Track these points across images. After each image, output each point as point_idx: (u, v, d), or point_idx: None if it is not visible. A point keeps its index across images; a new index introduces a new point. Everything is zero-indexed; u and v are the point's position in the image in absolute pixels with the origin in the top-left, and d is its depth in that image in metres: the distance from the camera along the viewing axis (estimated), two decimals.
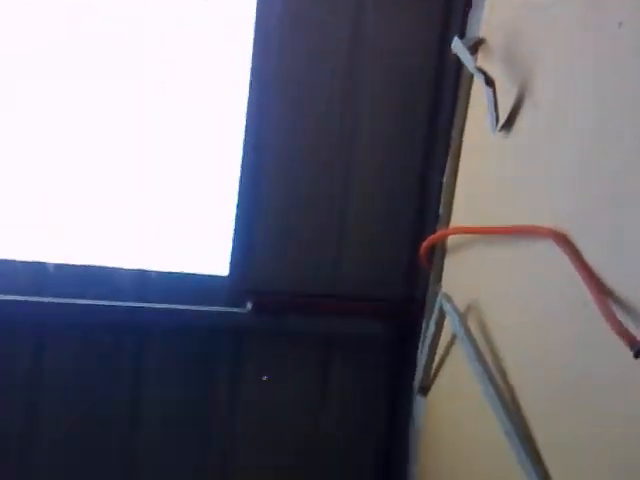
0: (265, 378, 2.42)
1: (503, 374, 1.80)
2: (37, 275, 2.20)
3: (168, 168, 2.31)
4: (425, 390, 2.25)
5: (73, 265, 2.24)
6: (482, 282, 1.99)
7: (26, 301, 2.15)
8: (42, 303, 2.17)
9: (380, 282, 2.45)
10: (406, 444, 2.38)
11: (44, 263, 2.20)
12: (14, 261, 2.19)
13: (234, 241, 2.35)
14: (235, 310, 2.34)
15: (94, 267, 2.26)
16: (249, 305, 2.33)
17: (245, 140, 2.29)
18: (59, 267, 2.21)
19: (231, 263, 2.36)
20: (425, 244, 2.19)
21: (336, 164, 2.37)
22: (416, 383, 2.28)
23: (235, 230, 2.34)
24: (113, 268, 2.27)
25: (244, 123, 2.29)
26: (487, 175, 2.02)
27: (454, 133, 2.18)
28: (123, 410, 2.33)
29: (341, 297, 2.42)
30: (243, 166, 2.31)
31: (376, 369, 2.52)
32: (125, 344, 2.31)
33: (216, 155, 2.34)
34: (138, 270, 2.29)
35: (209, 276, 2.37)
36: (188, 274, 2.34)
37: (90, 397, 2.29)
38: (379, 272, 2.45)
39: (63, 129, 2.21)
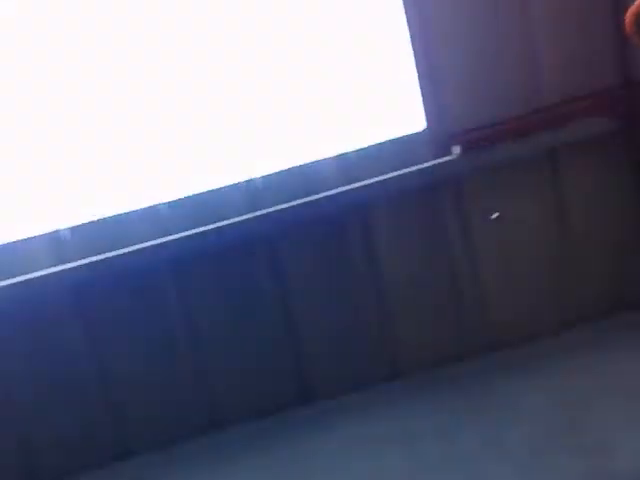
0: (494, 216, 2.35)
1: None
2: (248, 193, 2.26)
3: (338, 48, 2.26)
4: None
5: (277, 172, 2.27)
6: None
7: (243, 220, 2.22)
8: (262, 216, 2.23)
9: (588, 77, 2.23)
10: None
11: (252, 179, 2.26)
12: (224, 187, 2.26)
13: (422, 92, 2.25)
14: (445, 159, 2.26)
15: (296, 167, 2.27)
16: (456, 149, 2.24)
17: None
18: (266, 178, 2.26)
19: (426, 115, 2.27)
20: (629, 14, 1.94)
21: None
22: None
23: (420, 82, 2.24)
24: (314, 162, 2.27)
25: None
26: None
27: None
28: (366, 284, 2.39)
29: (552, 107, 2.25)
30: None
31: (611, 169, 2.34)
32: (351, 226, 2.33)
33: (381, 20, 2.25)
34: (338, 155, 2.27)
35: (408, 136, 2.30)
36: (386, 141, 2.30)
37: (337, 282, 2.36)
38: (584, 67, 2.22)
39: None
